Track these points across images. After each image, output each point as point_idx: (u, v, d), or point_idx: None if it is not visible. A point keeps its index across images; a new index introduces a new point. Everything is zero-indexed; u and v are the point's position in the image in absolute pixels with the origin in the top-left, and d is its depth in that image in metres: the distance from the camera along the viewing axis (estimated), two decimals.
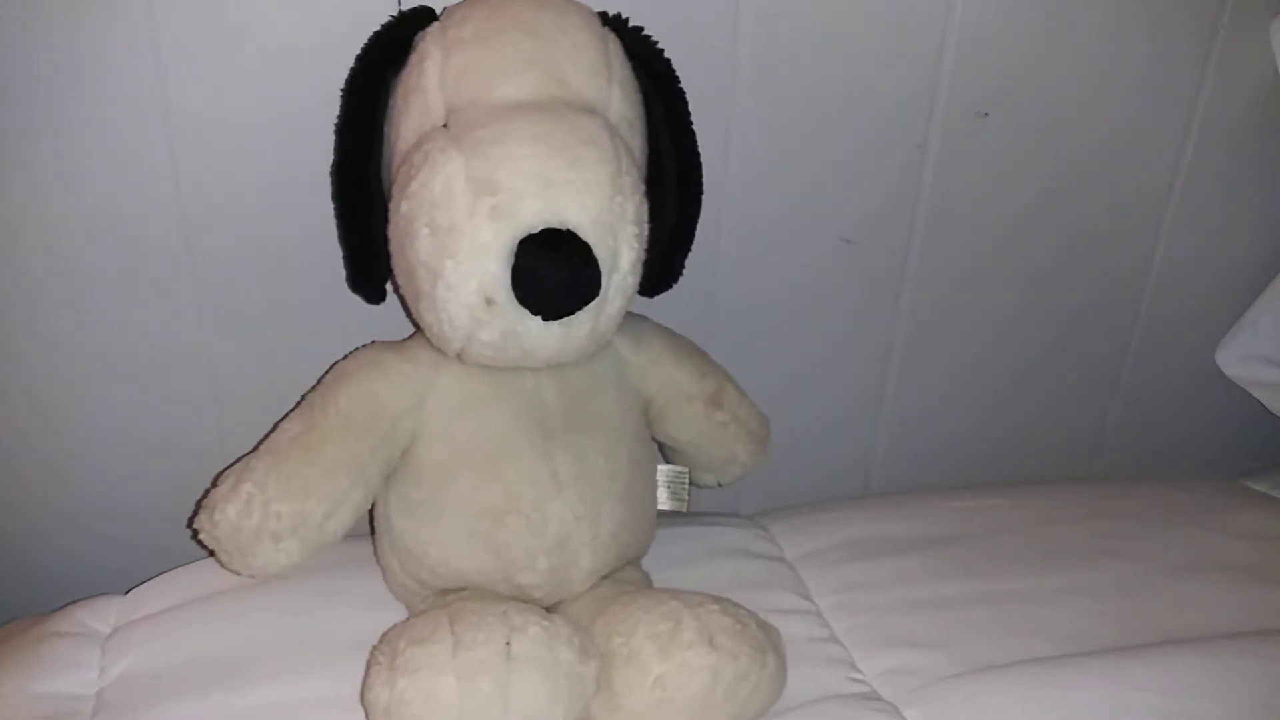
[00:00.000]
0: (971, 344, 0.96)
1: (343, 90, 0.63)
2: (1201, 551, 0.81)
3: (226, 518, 0.61)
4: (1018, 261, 0.93)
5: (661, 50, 0.66)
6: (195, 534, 0.63)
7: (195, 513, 0.63)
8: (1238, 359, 0.99)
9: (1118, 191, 0.93)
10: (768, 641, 0.61)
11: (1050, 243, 0.93)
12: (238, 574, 0.63)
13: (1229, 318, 1.00)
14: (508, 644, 0.55)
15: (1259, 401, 0.99)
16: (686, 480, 0.77)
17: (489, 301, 0.56)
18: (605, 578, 0.68)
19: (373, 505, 0.67)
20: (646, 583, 0.71)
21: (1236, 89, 0.90)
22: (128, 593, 0.74)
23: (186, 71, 0.69)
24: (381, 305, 0.69)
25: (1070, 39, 0.85)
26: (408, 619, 0.62)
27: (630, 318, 0.66)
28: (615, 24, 0.65)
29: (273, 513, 0.60)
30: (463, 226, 0.55)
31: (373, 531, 0.70)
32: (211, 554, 0.63)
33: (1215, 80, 0.89)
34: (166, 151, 0.71)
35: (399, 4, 0.69)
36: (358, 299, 0.68)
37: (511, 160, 0.55)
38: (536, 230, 0.55)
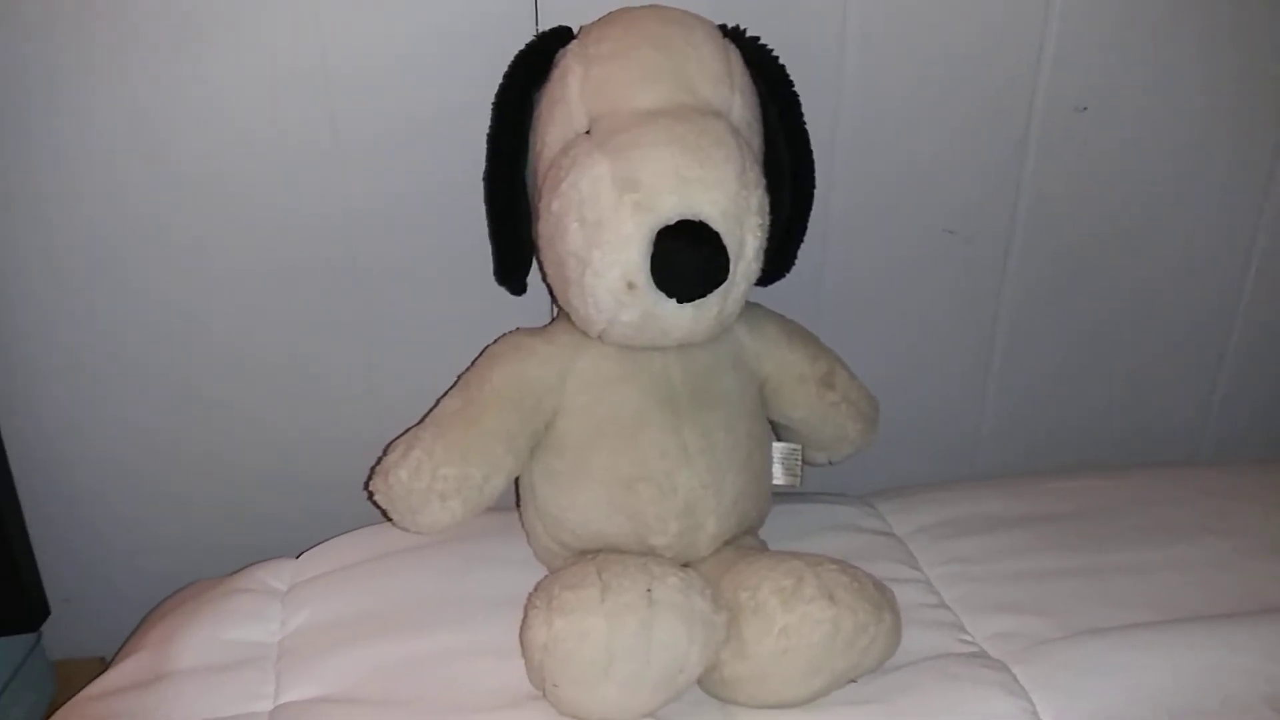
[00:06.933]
0: (1074, 332, 0.98)
1: (493, 104, 0.70)
2: None
3: (399, 480, 0.68)
4: (1119, 252, 0.96)
5: (777, 58, 0.72)
6: (370, 496, 0.71)
7: (369, 478, 0.71)
8: None
9: (1217, 182, 0.94)
10: (884, 599, 0.66)
11: (1152, 232, 0.95)
12: (407, 530, 0.71)
13: None
14: (649, 590, 0.61)
15: None
16: (799, 457, 0.82)
17: (631, 286, 0.63)
18: (727, 543, 0.73)
19: (518, 479, 0.74)
20: (765, 550, 0.76)
21: None
22: (299, 556, 0.82)
23: (352, 91, 0.78)
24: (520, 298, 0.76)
25: (1166, 32, 0.87)
26: (558, 570, 0.68)
27: (746, 305, 0.71)
28: (735, 35, 0.71)
29: (440, 475, 0.68)
30: (608, 220, 0.62)
31: (518, 502, 0.77)
32: (384, 514, 0.71)
33: None
34: (339, 168, 0.80)
35: (536, 24, 0.77)
36: (501, 292, 0.75)
37: (650, 161, 0.62)
38: (673, 222, 0.61)
